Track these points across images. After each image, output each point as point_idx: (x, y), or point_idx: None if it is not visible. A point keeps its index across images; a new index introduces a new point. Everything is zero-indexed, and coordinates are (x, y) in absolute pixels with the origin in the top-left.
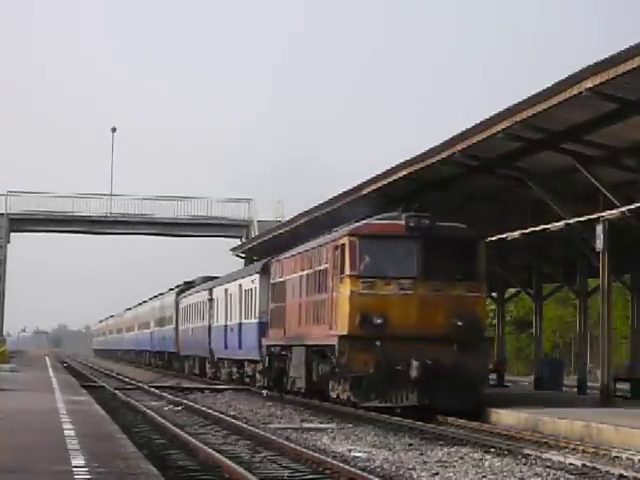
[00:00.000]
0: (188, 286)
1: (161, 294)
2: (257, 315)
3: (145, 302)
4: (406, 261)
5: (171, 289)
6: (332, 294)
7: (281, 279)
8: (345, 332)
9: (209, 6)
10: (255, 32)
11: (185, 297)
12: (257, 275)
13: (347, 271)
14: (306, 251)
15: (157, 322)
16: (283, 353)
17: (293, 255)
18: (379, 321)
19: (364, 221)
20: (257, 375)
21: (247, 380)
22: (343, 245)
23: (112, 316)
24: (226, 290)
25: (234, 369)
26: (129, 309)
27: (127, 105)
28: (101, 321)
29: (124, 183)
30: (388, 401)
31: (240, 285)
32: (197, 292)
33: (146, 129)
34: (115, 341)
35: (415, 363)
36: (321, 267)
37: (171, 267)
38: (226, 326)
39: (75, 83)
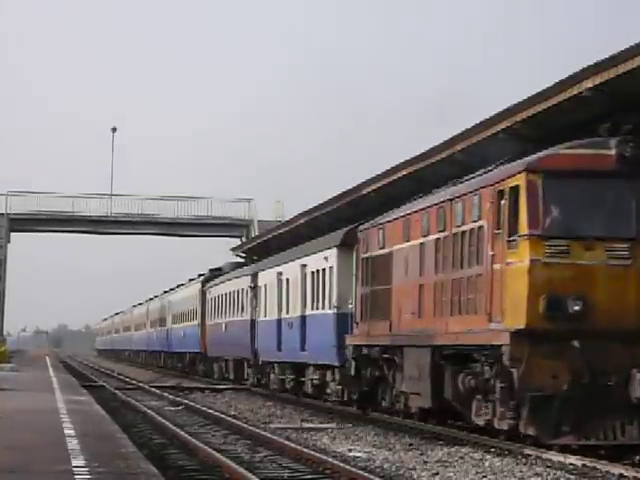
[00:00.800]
0: (216, 274)
1: (179, 285)
2: (334, 304)
3: (158, 297)
4: (619, 213)
5: (191, 279)
6: (492, 267)
7: (382, 251)
8: (521, 325)
9: (208, 6)
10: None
11: (214, 286)
12: (334, 250)
13: (524, 229)
14: (432, 206)
15: (175, 318)
16: (386, 357)
17: (405, 215)
18: (577, 307)
19: (547, 151)
20: (332, 385)
21: (310, 391)
22: (515, 189)
23: (118, 313)
24: (279, 274)
25: (289, 376)
26: (139, 304)
27: (127, 104)
28: (105, 319)
29: (124, 183)
30: (592, 437)
31: (303, 266)
32: (232, 279)
33: (148, 129)
34: (122, 340)
35: (638, 376)
36: (466, 227)
37: (171, 267)
38: (279, 320)
39: (75, 83)
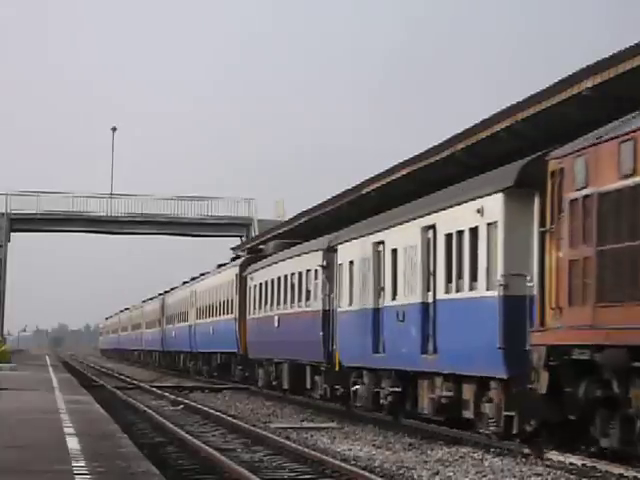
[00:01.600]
0: (258, 255)
1: (203, 274)
2: (498, 282)
3: (177, 288)
4: None
5: (221, 265)
6: None
7: (629, 182)
8: None
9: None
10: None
11: (259, 270)
12: (499, 197)
13: None
14: None
15: (201, 312)
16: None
17: None
18: None
19: None
20: (488, 409)
21: (431, 411)
22: None
23: (127, 309)
24: (377, 245)
25: (391, 388)
26: (150, 299)
27: (128, 103)
28: (110, 317)
29: (124, 183)
30: None
31: (428, 228)
32: (288, 259)
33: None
34: (131, 339)
35: None
36: None
37: (171, 266)
38: (378, 310)
39: (76, 82)
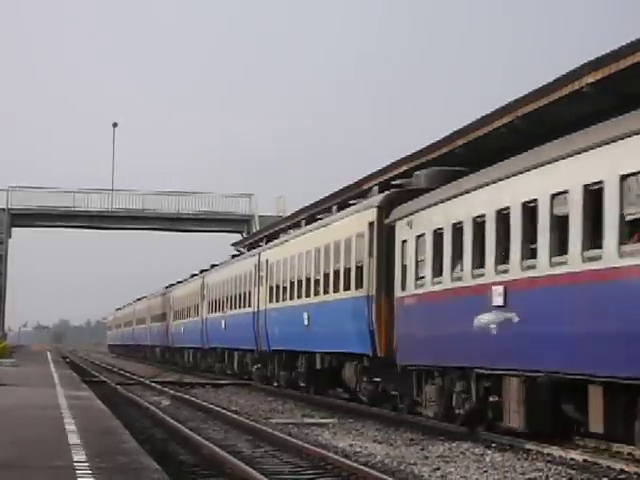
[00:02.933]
0: (404, 191)
1: (272, 236)
2: None
3: (224, 263)
4: None
5: (329, 208)
6: None
7: None
8: None
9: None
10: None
11: (425, 210)
12: None
13: None
14: None
15: (282, 292)
16: None
17: None
18: None
19: None
20: None
21: None
22: None
23: (144, 297)
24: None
25: None
26: (179, 282)
27: (128, 101)
28: (120, 308)
29: (126, 178)
30: None
31: None
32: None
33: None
34: (150, 334)
35: None
36: None
37: (171, 263)
38: None
39: (76, 81)
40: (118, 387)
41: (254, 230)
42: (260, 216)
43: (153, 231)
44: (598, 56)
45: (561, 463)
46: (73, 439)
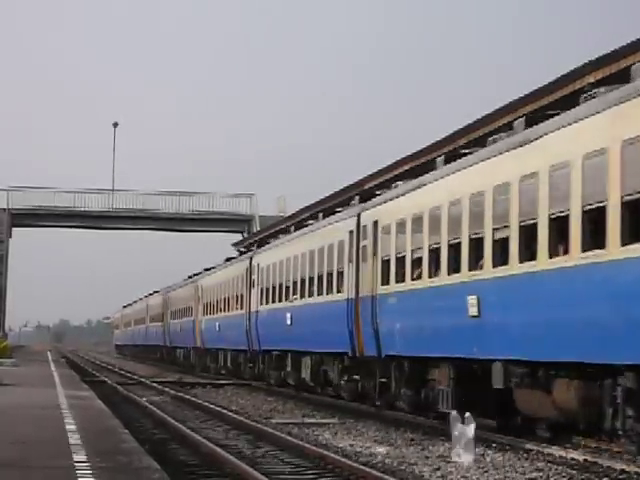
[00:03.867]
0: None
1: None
2: None
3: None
4: None
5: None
6: None
7: None
8: None
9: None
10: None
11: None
12: None
13: None
14: None
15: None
16: None
17: None
18: None
19: None
20: None
21: None
22: None
23: (156, 292)
24: None
25: None
26: (212, 268)
27: (128, 101)
28: (129, 304)
29: (126, 178)
30: None
31: None
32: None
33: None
34: (176, 332)
35: None
36: None
37: (171, 263)
38: None
39: (76, 80)
40: (118, 387)
41: (255, 230)
42: (261, 216)
43: (153, 231)
44: (599, 56)
45: (561, 463)
46: (73, 439)
